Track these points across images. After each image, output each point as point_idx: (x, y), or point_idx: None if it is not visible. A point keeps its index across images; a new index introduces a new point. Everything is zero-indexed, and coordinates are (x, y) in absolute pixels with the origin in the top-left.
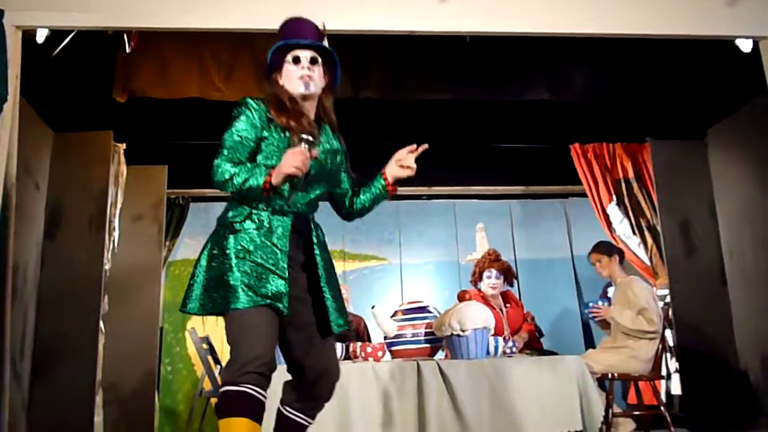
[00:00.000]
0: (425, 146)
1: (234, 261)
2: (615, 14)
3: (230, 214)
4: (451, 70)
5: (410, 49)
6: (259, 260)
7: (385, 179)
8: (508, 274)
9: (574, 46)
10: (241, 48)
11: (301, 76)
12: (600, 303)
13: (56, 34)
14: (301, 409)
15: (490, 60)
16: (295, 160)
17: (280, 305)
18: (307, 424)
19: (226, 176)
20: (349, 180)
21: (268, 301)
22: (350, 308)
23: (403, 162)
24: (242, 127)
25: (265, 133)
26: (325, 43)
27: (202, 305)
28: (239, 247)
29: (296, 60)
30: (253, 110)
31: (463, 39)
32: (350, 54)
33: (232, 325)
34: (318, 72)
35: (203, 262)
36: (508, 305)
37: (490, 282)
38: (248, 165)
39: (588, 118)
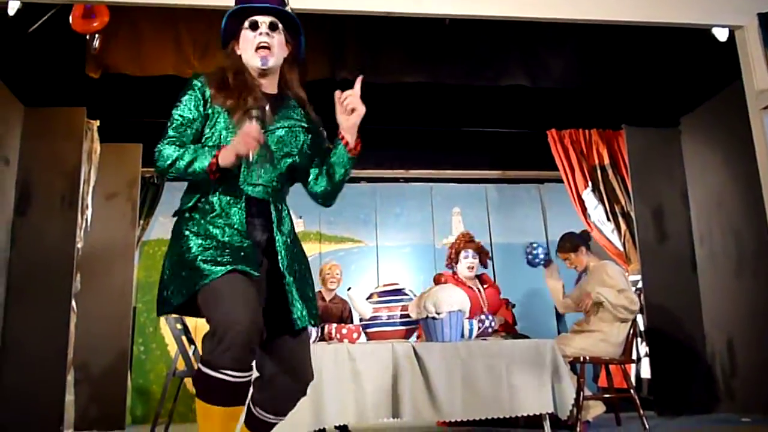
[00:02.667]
0: (360, 78)
1: (192, 242)
2: (594, 1)
3: (183, 201)
4: (429, 53)
5: (388, 30)
6: (217, 237)
7: (342, 138)
8: (483, 255)
9: (552, 32)
10: (217, 25)
11: (259, 45)
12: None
13: (28, 7)
14: (271, 411)
15: (468, 44)
16: (247, 139)
17: (249, 268)
18: (277, 422)
19: (168, 161)
20: (321, 159)
21: (233, 266)
22: (339, 289)
23: (346, 107)
24: (184, 108)
25: (209, 111)
26: (289, 8)
27: (175, 294)
28: (194, 229)
29: (254, 26)
30: (195, 89)
31: (442, 22)
32: (328, 35)
33: (205, 301)
34: (278, 40)
35: (166, 257)
36: (485, 285)
37: (468, 262)
38: (192, 147)
39: (565, 104)
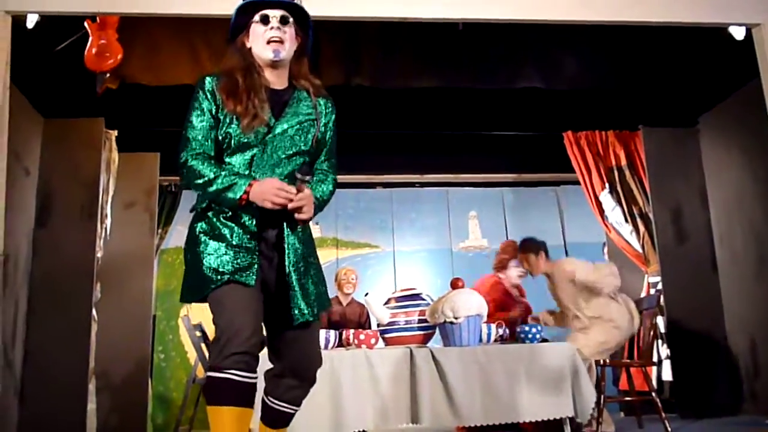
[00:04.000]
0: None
1: (201, 246)
2: (608, 1)
3: (199, 199)
4: (444, 57)
5: (403, 36)
6: (224, 240)
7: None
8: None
9: (566, 33)
10: None
11: (271, 39)
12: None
13: (47, 20)
14: (284, 399)
15: (482, 47)
16: (274, 196)
17: (244, 278)
18: (292, 411)
19: (200, 182)
20: (325, 154)
21: (233, 276)
22: (357, 294)
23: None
24: (199, 114)
25: (220, 116)
26: (298, 0)
27: (188, 293)
28: (204, 230)
29: (265, 19)
30: (207, 93)
31: (455, 26)
32: (342, 41)
33: (212, 307)
34: (289, 33)
35: (184, 253)
36: (522, 297)
37: (519, 271)
38: (224, 173)
39: (580, 106)
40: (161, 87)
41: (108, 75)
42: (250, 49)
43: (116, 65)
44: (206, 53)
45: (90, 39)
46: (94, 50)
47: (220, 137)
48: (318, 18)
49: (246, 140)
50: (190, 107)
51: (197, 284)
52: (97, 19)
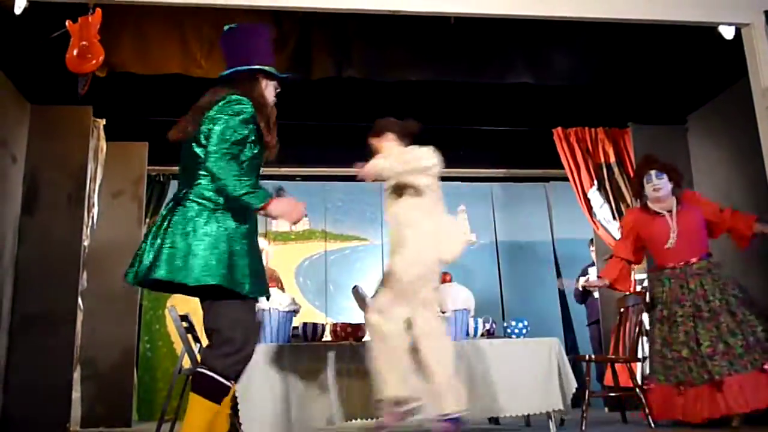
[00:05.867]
0: None
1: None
2: None
3: (209, 193)
4: (435, 50)
5: (394, 29)
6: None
7: None
8: (672, 173)
9: (557, 29)
10: (223, 24)
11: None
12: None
13: (35, 6)
14: (215, 369)
15: (473, 41)
16: (295, 215)
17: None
18: (227, 384)
19: (229, 185)
20: None
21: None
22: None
23: None
24: (247, 143)
25: (252, 137)
26: None
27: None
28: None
29: (276, 87)
30: (251, 120)
31: (447, 20)
32: (333, 33)
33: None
34: None
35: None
36: (679, 206)
37: (652, 184)
38: (250, 180)
39: (570, 102)
40: (150, 76)
41: (89, 76)
42: (264, 89)
43: (97, 68)
44: (196, 43)
45: (71, 40)
46: (75, 51)
47: (247, 157)
48: (309, 9)
49: (260, 164)
50: (231, 117)
51: (238, 279)
52: (78, 19)
